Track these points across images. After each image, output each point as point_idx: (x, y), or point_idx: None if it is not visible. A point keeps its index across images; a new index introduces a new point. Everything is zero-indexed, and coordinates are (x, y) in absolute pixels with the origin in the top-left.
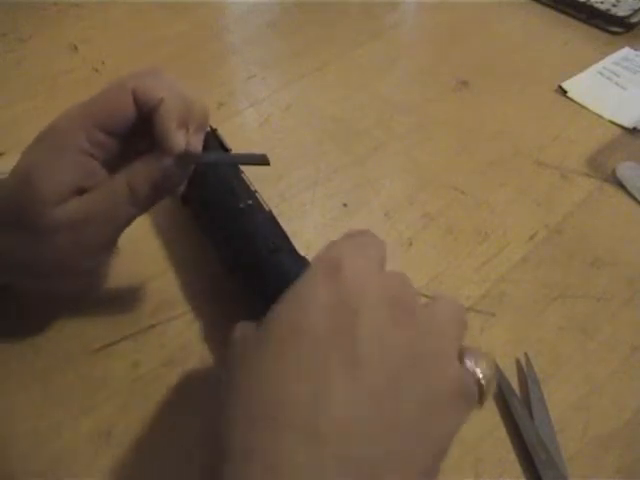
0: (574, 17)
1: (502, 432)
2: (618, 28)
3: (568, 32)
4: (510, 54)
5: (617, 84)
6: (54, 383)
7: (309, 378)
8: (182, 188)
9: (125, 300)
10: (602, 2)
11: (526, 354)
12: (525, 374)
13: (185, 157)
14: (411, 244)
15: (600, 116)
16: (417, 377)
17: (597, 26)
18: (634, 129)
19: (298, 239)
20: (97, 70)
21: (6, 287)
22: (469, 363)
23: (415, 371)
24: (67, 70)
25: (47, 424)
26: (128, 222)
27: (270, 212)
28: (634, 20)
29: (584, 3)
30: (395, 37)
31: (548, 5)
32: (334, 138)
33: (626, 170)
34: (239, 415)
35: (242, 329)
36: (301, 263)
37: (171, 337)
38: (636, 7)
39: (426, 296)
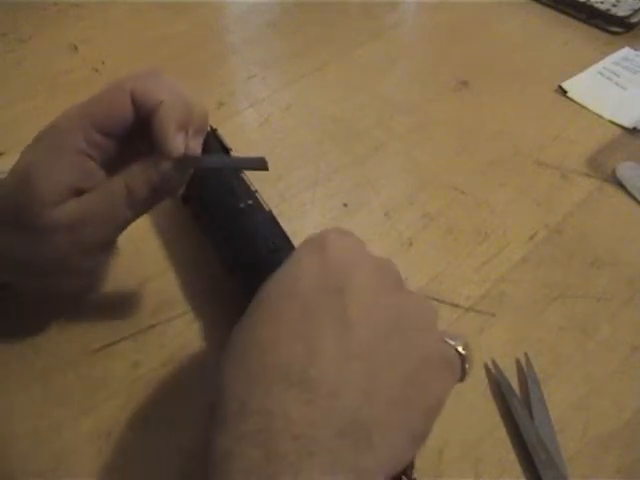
0: (574, 17)
1: (502, 432)
2: (618, 28)
3: (568, 32)
4: (510, 54)
5: (617, 84)
6: (54, 383)
7: (301, 338)
8: (182, 188)
9: (125, 300)
10: (602, 2)
11: (526, 354)
12: (525, 374)
13: (184, 161)
14: (411, 244)
15: (600, 116)
16: (405, 341)
17: (597, 26)
18: (634, 129)
19: (298, 239)
20: (97, 70)
21: (6, 287)
22: (450, 341)
23: (403, 336)
24: (67, 70)
25: (47, 424)
26: (126, 224)
27: (270, 212)
28: (634, 20)
29: (584, 3)
30: (395, 37)
31: (548, 5)
32: (334, 138)
33: (626, 170)
34: (235, 379)
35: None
36: None
37: (171, 337)
38: (636, 7)
39: (426, 296)
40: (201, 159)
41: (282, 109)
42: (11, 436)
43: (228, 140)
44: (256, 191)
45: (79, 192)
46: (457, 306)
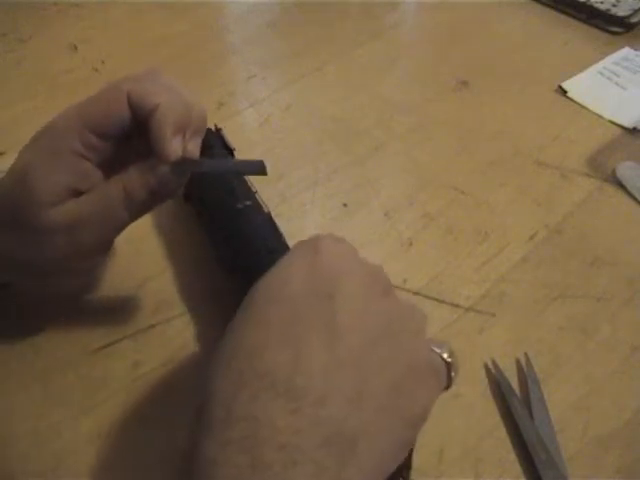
0: (574, 17)
1: (502, 432)
2: (618, 28)
3: (568, 32)
4: (510, 54)
5: (617, 84)
6: (54, 383)
7: (289, 344)
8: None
9: (125, 300)
10: (602, 2)
11: (526, 354)
12: (525, 374)
13: (182, 164)
14: (411, 244)
15: (600, 116)
16: (393, 349)
17: (597, 26)
18: (634, 129)
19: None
20: (97, 70)
21: (6, 287)
22: (436, 349)
23: (391, 344)
24: (67, 70)
25: (47, 424)
26: (124, 225)
27: (268, 213)
28: (634, 20)
29: (584, 3)
30: (395, 37)
31: (548, 5)
32: (334, 138)
33: (626, 170)
34: (222, 384)
35: None
36: None
37: (171, 337)
38: (636, 7)
39: (426, 296)
40: (199, 163)
41: (282, 109)
42: (11, 436)
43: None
44: (256, 192)
45: (76, 193)
46: (457, 306)
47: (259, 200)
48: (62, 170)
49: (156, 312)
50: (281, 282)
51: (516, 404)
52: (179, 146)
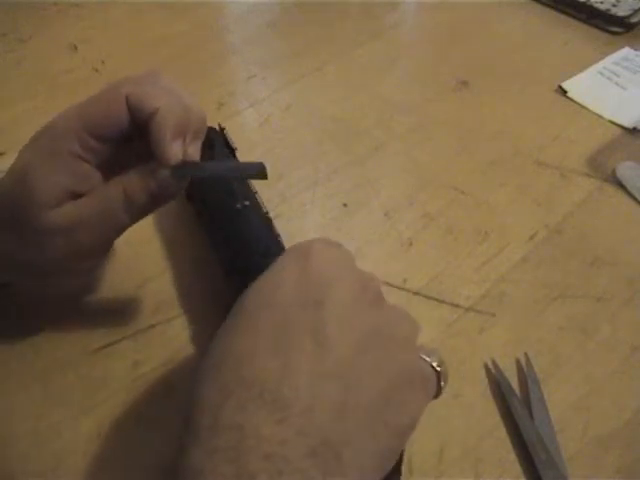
0: (574, 17)
1: (502, 432)
2: (618, 28)
3: (568, 32)
4: (510, 54)
5: (617, 84)
6: (54, 383)
7: (277, 353)
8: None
9: (125, 300)
10: (602, 2)
11: (526, 354)
12: (525, 374)
13: (182, 168)
14: (411, 244)
15: (600, 116)
16: (381, 359)
17: (597, 26)
18: (634, 129)
19: (298, 239)
20: (97, 70)
21: (6, 286)
22: (426, 357)
23: (380, 353)
24: (67, 70)
25: (47, 424)
26: (124, 228)
27: (267, 214)
28: (634, 20)
29: (584, 3)
30: (395, 37)
31: (548, 5)
32: (334, 138)
33: (626, 170)
34: (210, 391)
35: None
36: None
37: (171, 337)
38: (636, 7)
39: (426, 296)
40: (200, 166)
41: (282, 109)
42: (11, 436)
43: None
44: (256, 192)
45: (76, 195)
46: (457, 306)
47: (259, 200)
48: (61, 172)
49: (156, 312)
50: (271, 288)
51: (516, 404)
52: (179, 150)
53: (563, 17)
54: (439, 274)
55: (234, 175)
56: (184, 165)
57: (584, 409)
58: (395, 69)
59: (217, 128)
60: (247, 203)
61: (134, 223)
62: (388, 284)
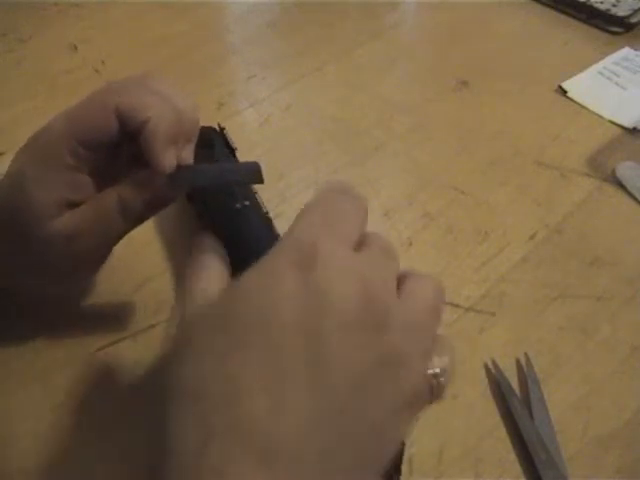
0: (574, 17)
1: (502, 432)
2: (618, 28)
3: (568, 32)
4: (510, 54)
5: (617, 84)
6: (54, 383)
7: (269, 388)
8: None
9: (125, 300)
10: (602, 2)
11: (526, 354)
12: (525, 374)
13: (177, 174)
14: (411, 244)
15: (600, 116)
16: (383, 386)
17: (597, 26)
18: (634, 129)
19: None
20: (97, 70)
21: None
22: (436, 361)
23: (381, 378)
24: (67, 70)
25: (47, 424)
26: (122, 236)
27: (267, 214)
28: (634, 20)
29: (584, 3)
30: (395, 37)
31: (548, 5)
32: (334, 138)
33: (626, 170)
34: (191, 429)
35: (195, 308)
36: None
37: (171, 337)
38: (636, 7)
39: None
40: (195, 171)
41: (282, 109)
42: (11, 436)
43: None
44: (256, 192)
45: (72, 204)
46: (457, 306)
47: (259, 200)
48: (57, 184)
49: (156, 312)
50: (265, 303)
51: (516, 404)
52: (173, 157)
53: (563, 17)
54: (439, 274)
55: (229, 181)
56: (179, 171)
57: (584, 409)
58: (395, 69)
59: (217, 128)
60: (247, 203)
61: (132, 229)
62: None
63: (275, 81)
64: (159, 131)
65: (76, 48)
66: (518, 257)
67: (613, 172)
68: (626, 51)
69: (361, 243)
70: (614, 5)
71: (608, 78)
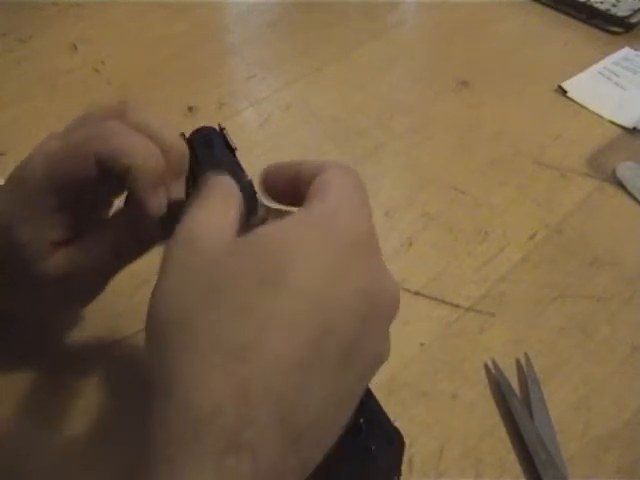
0: (574, 17)
1: (502, 432)
2: (618, 28)
3: (568, 32)
4: (510, 54)
5: (617, 84)
6: (54, 382)
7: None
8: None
9: (125, 300)
10: (602, 2)
11: (526, 354)
12: (525, 374)
13: (168, 213)
14: (411, 244)
15: (600, 116)
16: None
17: (597, 26)
18: (634, 129)
19: None
20: (97, 70)
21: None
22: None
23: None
24: (67, 70)
25: (47, 424)
26: (115, 273)
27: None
28: (634, 20)
29: (584, 3)
30: (395, 37)
31: (548, 5)
32: (334, 138)
33: (626, 170)
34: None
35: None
36: None
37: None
38: (636, 7)
39: (426, 296)
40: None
41: (282, 109)
42: (11, 436)
43: None
44: (256, 192)
45: (63, 243)
46: (457, 306)
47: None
48: (44, 227)
49: None
50: (279, 266)
51: (516, 404)
52: (162, 198)
53: (563, 17)
54: (439, 274)
55: None
56: (171, 208)
57: (584, 409)
58: (395, 69)
59: (217, 128)
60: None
61: (125, 266)
62: None
63: (275, 81)
64: (143, 177)
65: (76, 48)
66: (518, 257)
67: (613, 172)
68: (626, 51)
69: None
70: (614, 5)
71: (608, 78)
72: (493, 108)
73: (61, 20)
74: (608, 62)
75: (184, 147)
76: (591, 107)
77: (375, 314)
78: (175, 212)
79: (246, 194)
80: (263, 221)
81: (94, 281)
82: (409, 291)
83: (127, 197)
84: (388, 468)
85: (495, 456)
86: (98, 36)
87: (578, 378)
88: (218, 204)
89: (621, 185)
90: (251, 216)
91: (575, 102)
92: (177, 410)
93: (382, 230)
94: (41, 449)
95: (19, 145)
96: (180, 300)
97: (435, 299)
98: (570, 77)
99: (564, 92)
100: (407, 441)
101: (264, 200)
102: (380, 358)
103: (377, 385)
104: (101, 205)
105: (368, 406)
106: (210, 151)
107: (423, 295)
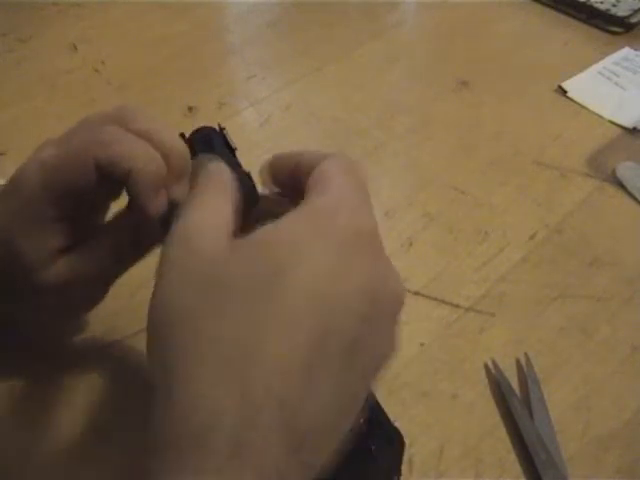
0: (574, 17)
1: (502, 432)
2: (618, 28)
3: (568, 32)
4: (510, 54)
5: (617, 84)
6: (55, 382)
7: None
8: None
9: (125, 300)
10: (602, 2)
11: (526, 354)
12: (525, 374)
13: (169, 216)
14: (411, 244)
15: (600, 116)
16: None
17: (597, 26)
18: (634, 129)
19: None
20: (97, 70)
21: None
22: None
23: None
24: (67, 70)
25: (47, 424)
26: (116, 278)
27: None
28: (634, 20)
29: (584, 3)
30: (395, 37)
31: (548, 5)
32: (334, 138)
33: (626, 170)
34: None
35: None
36: None
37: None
38: (636, 7)
39: (426, 296)
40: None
41: (282, 109)
42: (12, 435)
43: None
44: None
45: (64, 250)
46: (457, 306)
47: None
48: (44, 236)
49: None
50: (280, 270)
51: (516, 404)
52: (163, 201)
53: (563, 17)
54: (439, 274)
55: None
56: (172, 211)
57: (584, 409)
58: (395, 69)
59: (217, 128)
60: None
61: (126, 270)
62: None
63: (275, 81)
64: (144, 181)
65: (76, 48)
66: (518, 257)
67: (613, 172)
68: (626, 51)
69: None
70: (614, 5)
71: (608, 78)
72: (493, 108)
73: (61, 20)
74: (608, 62)
75: (185, 149)
76: (591, 107)
77: (378, 313)
78: (175, 217)
79: (245, 186)
80: (263, 213)
81: (95, 288)
82: (409, 291)
83: (129, 201)
84: (388, 468)
85: (495, 456)
86: (98, 36)
87: (578, 378)
88: (212, 201)
89: (621, 185)
90: (251, 208)
91: (575, 102)
92: (179, 413)
93: (382, 230)
94: (41, 449)
95: (19, 145)
96: (180, 301)
97: (435, 299)
98: (570, 77)
99: (564, 92)
100: (407, 441)
101: (266, 191)
102: (384, 358)
103: (377, 385)
104: (99, 210)
105: (368, 406)
106: (210, 151)
107: (423, 295)
